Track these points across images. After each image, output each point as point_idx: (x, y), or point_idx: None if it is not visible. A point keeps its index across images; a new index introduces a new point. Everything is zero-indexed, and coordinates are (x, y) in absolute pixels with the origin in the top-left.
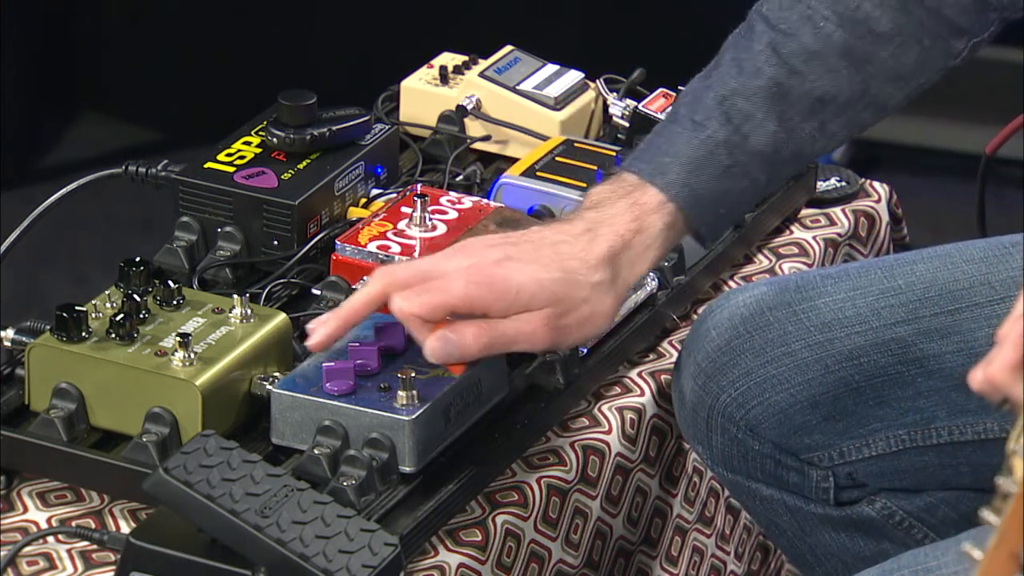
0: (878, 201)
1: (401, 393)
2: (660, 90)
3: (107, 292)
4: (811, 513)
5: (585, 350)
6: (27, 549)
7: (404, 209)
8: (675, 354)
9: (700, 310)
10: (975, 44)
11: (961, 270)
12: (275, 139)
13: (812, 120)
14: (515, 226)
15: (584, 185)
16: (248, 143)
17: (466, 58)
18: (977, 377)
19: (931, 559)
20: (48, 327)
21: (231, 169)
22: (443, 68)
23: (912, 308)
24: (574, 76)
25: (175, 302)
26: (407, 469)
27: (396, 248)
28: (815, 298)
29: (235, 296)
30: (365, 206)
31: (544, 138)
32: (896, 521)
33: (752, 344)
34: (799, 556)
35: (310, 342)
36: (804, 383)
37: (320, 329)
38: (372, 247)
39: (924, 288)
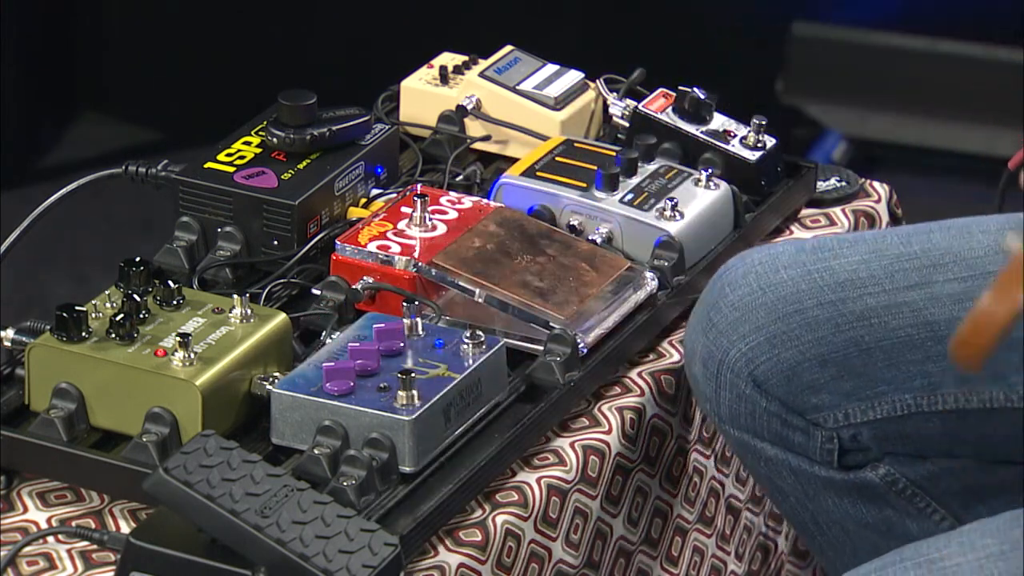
0: (878, 201)
1: (401, 393)
2: (660, 90)
3: (107, 292)
4: (815, 476)
5: (585, 350)
6: (27, 549)
7: (404, 209)
8: (675, 354)
9: (718, 269)
10: None
11: (977, 240)
12: (275, 139)
13: None
14: (515, 226)
15: (584, 185)
16: (248, 143)
17: (466, 58)
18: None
19: (933, 550)
20: (48, 327)
21: (231, 169)
22: (443, 68)
23: (926, 273)
24: (574, 76)
25: (175, 302)
26: (407, 469)
27: (396, 248)
28: (830, 259)
29: (235, 296)
30: (365, 206)
31: (544, 138)
32: (899, 489)
33: (765, 300)
34: (802, 523)
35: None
36: (814, 341)
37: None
38: (372, 247)
39: (939, 255)
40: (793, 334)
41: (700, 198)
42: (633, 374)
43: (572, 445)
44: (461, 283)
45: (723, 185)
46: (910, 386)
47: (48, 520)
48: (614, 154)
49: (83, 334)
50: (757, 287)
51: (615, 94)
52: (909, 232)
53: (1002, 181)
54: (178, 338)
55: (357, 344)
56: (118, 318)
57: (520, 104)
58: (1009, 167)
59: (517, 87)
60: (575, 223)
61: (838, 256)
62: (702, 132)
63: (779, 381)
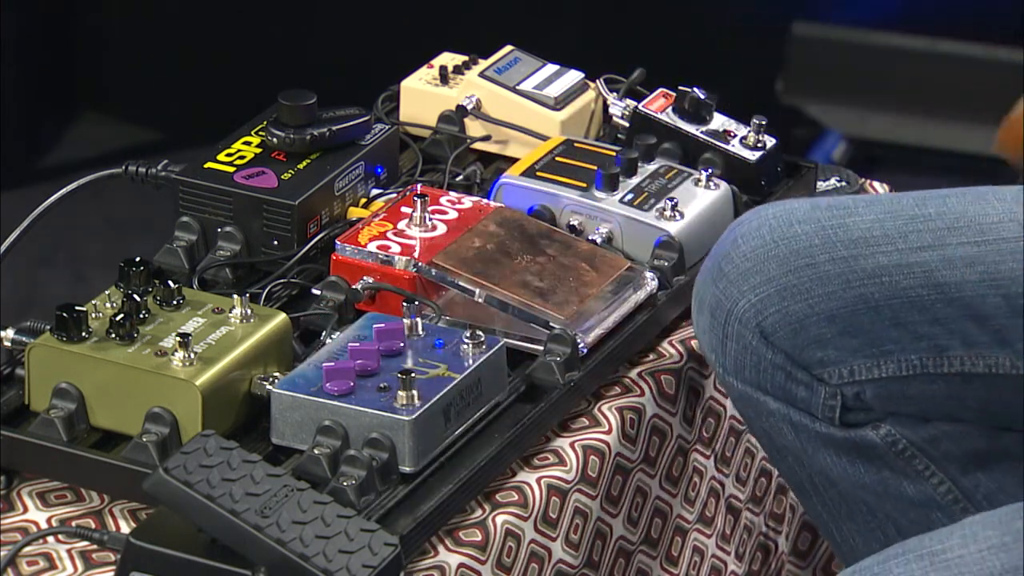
0: None
1: (401, 393)
2: (660, 90)
3: (107, 292)
4: (815, 432)
5: (585, 350)
6: (27, 549)
7: (404, 209)
8: (675, 354)
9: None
10: None
11: (992, 206)
12: (275, 139)
13: None
14: (515, 226)
15: (584, 185)
16: (248, 143)
17: (466, 58)
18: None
19: (936, 542)
20: (48, 327)
21: (231, 169)
22: (443, 68)
23: (940, 235)
24: (574, 76)
25: (175, 302)
26: (407, 469)
27: (396, 248)
28: (845, 217)
29: (235, 296)
30: (365, 206)
31: (544, 138)
32: (899, 449)
33: (777, 253)
34: (798, 483)
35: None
36: (824, 295)
37: None
38: (372, 247)
39: (954, 218)
40: (803, 287)
41: (700, 198)
42: (633, 374)
43: (572, 445)
44: (461, 283)
45: (723, 185)
46: (917, 347)
47: (48, 520)
48: (614, 154)
49: (83, 334)
50: (771, 239)
51: (615, 94)
52: (925, 196)
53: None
54: (178, 338)
55: (357, 344)
56: (118, 318)
57: (520, 104)
58: None
59: (517, 87)
60: (575, 223)
61: (853, 214)
62: (702, 132)
63: (786, 334)
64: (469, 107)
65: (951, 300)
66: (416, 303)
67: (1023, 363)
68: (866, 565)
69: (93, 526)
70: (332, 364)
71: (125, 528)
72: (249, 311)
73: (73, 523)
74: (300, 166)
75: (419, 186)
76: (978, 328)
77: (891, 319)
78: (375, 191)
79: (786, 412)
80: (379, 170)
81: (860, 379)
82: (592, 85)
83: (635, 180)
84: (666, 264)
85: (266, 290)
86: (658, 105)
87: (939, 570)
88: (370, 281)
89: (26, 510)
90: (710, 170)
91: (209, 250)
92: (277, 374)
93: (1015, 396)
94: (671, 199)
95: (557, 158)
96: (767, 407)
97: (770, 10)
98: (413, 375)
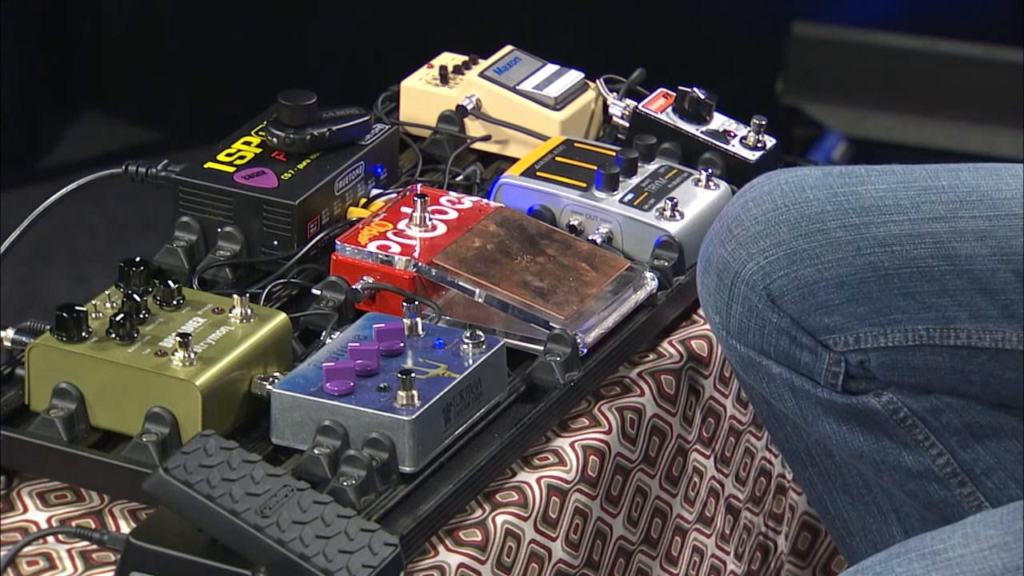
0: None
1: (401, 393)
2: (660, 90)
3: (107, 292)
4: (817, 398)
5: (585, 350)
6: (27, 549)
7: (404, 209)
8: (675, 354)
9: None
10: None
11: (1005, 182)
12: (275, 139)
13: None
14: (515, 226)
15: (584, 185)
16: (248, 143)
17: (466, 58)
18: None
19: (937, 542)
20: (48, 327)
21: (231, 169)
22: (443, 68)
23: (952, 207)
24: (574, 76)
25: (175, 302)
26: (407, 469)
27: (396, 248)
28: (858, 185)
29: (235, 296)
30: (365, 206)
31: (544, 138)
32: (900, 417)
33: (788, 217)
34: (794, 453)
35: None
36: (833, 261)
37: None
38: (372, 247)
39: (967, 192)
40: (813, 252)
41: (700, 198)
42: (633, 374)
43: (572, 445)
44: (461, 283)
45: (723, 185)
46: (924, 317)
47: (48, 520)
48: (614, 154)
49: (83, 334)
50: (782, 204)
51: (615, 94)
52: (938, 168)
53: None
54: (178, 338)
55: (357, 344)
56: (118, 318)
57: (520, 104)
58: None
59: (517, 87)
60: (575, 223)
61: (866, 182)
62: (702, 132)
63: (794, 298)
64: (469, 107)
65: (961, 272)
66: (416, 303)
67: None
68: (868, 565)
69: (93, 526)
70: (332, 364)
71: (125, 528)
72: (249, 311)
73: (73, 523)
74: (300, 166)
75: (419, 186)
76: (987, 302)
77: (900, 288)
78: (375, 191)
79: (788, 377)
80: (379, 170)
81: (866, 347)
82: (592, 85)
83: (635, 180)
84: (666, 264)
85: (266, 290)
86: (658, 105)
87: (940, 569)
88: (370, 281)
89: (26, 510)
90: (710, 170)
91: (209, 250)
92: (277, 374)
93: (1018, 373)
94: (671, 199)
95: (557, 158)
96: (769, 371)
97: (770, 10)
98: (413, 375)
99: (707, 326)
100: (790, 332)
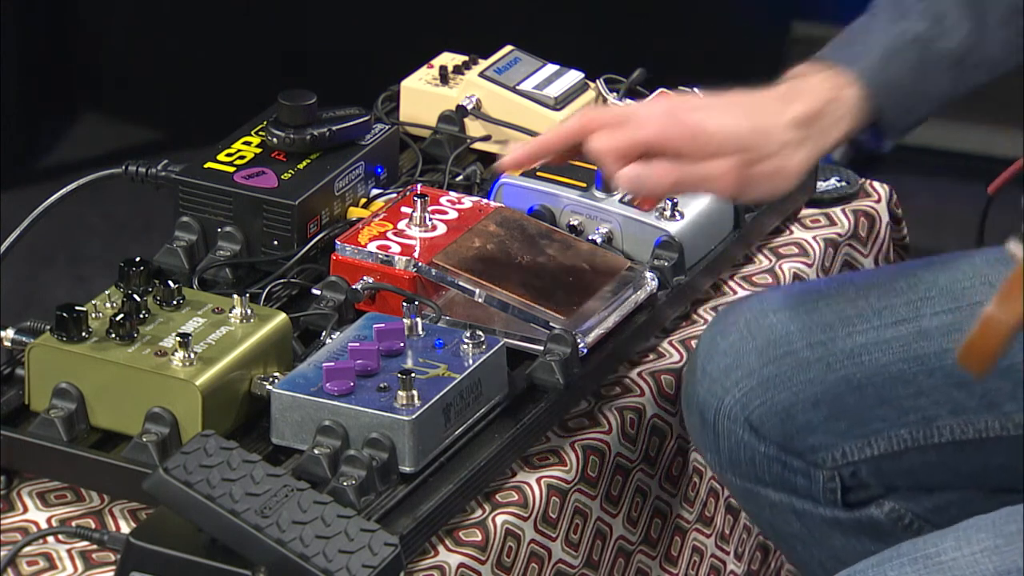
0: (878, 201)
1: (401, 393)
2: (660, 90)
3: (107, 292)
4: (821, 516)
5: (585, 350)
6: (27, 549)
7: (404, 209)
8: (675, 354)
9: (709, 319)
10: None
11: (962, 271)
12: (275, 139)
13: (1009, 26)
14: (515, 226)
15: (584, 185)
16: (248, 143)
17: (466, 58)
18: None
19: (930, 545)
20: (48, 327)
21: (231, 169)
22: (443, 68)
23: (914, 307)
24: (574, 76)
25: (175, 302)
26: (407, 469)
27: (396, 248)
28: (818, 300)
29: (235, 296)
30: (365, 206)
31: None
32: (906, 523)
33: (755, 345)
34: (810, 569)
35: (501, 162)
36: (806, 382)
37: (516, 150)
38: (372, 247)
39: (925, 289)
40: (785, 376)
41: (700, 198)
42: (633, 374)
43: (572, 445)
44: (461, 283)
45: None
46: (905, 420)
47: (48, 520)
48: None
49: (83, 334)
50: (747, 332)
51: (615, 94)
52: (894, 270)
53: (984, 207)
54: (178, 338)
55: (357, 344)
56: (118, 318)
57: (520, 104)
58: (989, 191)
59: (517, 87)
60: (575, 223)
61: (825, 297)
62: None
63: (775, 424)
64: (469, 107)
65: (932, 370)
66: (416, 303)
67: (1013, 425)
68: (860, 569)
69: (93, 526)
70: (332, 364)
71: (125, 528)
72: (249, 311)
73: (73, 523)
74: (300, 166)
75: (419, 186)
76: (964, 394)
77: (876, 397)
78: (375, 191)
79: (788, 501)
80: (379, 170)
81: (854, 460)
82: (592, 85)
83: None
84: (666, 264)
85: (266, 290)
86: None
87: (933, 573)
88: (370, 281)
89: (26, 510)
90: None
91: (209, 250)
92: (277, 374)
93: (1009, 458)
94: (671, 199)
95: None
96: (769, 499)
97: (770, 10)
98: (413, 375)
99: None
100: (779, 458)
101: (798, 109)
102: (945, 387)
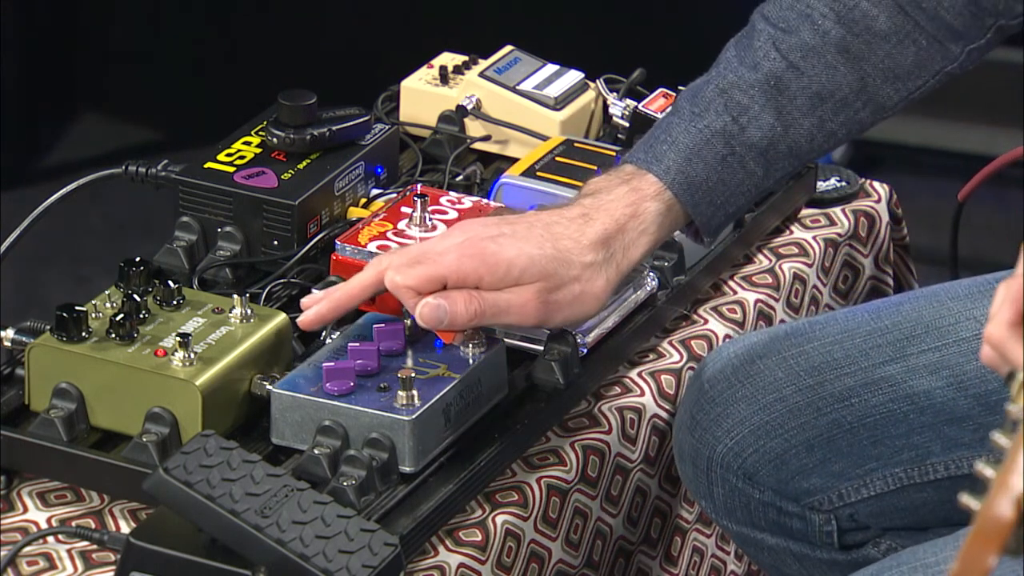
0: (878, 201)
1: (401, 393)
2: (660, 90)
3: (107, 292)
4: (819, 559)
5: (585, 350)
6: (27, 549)
7: (404, 209)
8: (675, 354)
9: (695, 365)
10: (972, 51)
11: (946, 307)
12: (275, 139)
13: (811, 116)
14: None
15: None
16: (248, 143)
17: (466, 58)
18: (984, 351)
19: (929, 555)
20: (48, 327)
21: (231, 169)
22: (443, 68)
23: (900, 347)
24: (574, 76)
25: (175, 302)
26: (407, 469)
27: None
28: (804, 343)
29: (235, 296)
30: (365, 206)
31: (544, 138)
32: None
33: (744, 393)
34: None
35: (301, 319)
36: (797, 427)
37: (313, 308)
38: (372, 247)
39: (911, 327)
40: (776, 423)
41: None
42: (633, 374)
43: (572, 445)
44: None
45: None
46: (899, 459)
47: (48, 520)
48: (614, 154)
49: (83, 334)
50: (735, 380)
51: (615, 94)
52: (879, 307)
53: (955, 213)
54: (178, 338)
55: (357, 344)
56: (118, 318)
57: (520, 104)
58: (959, 198)
59: (517, 87)
60: None
61: (811, 339)
62: None
63: (769, 471)
64: (469, 107)
65: (923, 409)
66: None
67: None
68: None
69: (93, 526)
70: (332, 364)
71: (125, 528)
72: (249, 311)
73: (73, 523)
74: (300, 166)
75: (419, 186)
76: (956, 430)
77: (868, 438)
78: (375, 191)
79: (786, 545)
80: (379, 170)
81: (850, 501)
82: (592, 85)
83: None
84: (666, 264)
85: (266, 290)
86: (658, 105)
87: None
88: None
89: (26, 510)
90: None
91: (209, 250)
92: (277, 374)
93: None
94: None
95: (557, 158)
96: (766, 543)
97: None
98: (413, 375)
99: (707, 326)
100: (775, 504)
101: (598, 229)
102: (937, 424)
